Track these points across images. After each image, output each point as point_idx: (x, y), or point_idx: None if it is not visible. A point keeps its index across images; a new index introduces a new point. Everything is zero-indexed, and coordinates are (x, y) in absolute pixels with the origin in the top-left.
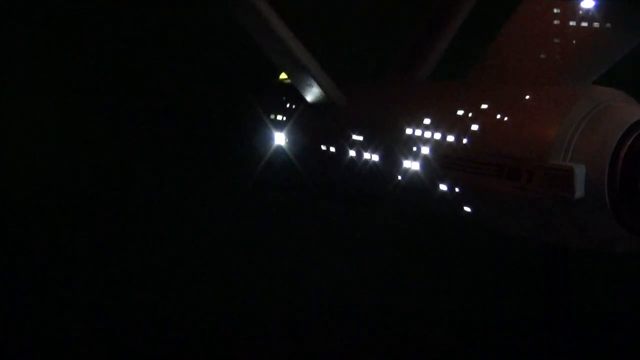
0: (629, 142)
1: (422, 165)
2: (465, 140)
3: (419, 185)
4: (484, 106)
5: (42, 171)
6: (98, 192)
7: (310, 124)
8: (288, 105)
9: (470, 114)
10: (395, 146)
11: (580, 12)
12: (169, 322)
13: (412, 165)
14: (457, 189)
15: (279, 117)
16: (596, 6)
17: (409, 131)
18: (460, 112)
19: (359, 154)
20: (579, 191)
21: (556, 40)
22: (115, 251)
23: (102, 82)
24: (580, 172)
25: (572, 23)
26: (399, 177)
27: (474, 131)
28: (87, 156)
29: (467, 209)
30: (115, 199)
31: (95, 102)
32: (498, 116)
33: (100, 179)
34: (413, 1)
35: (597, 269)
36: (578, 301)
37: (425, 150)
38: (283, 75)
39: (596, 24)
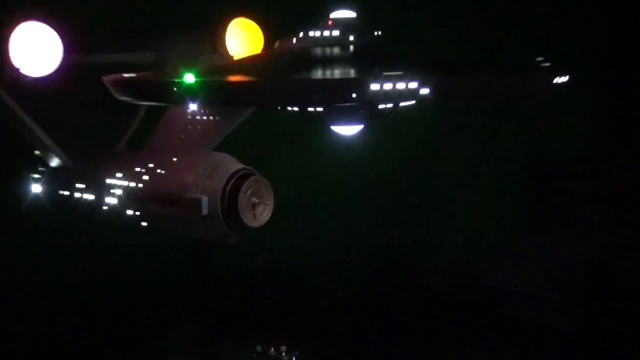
0: (231, 182)
1: (120, 201)
2: (149, 184)
3: (120, 212)
4: (156, 164)
5: None
6: None
7: (53, 178)
8: (41, 169)
9: (150, 169)
10: (101, 189)
11: (204, 115)
12: None
13: (112, 200)
14: (144, 213)
15: (37, 175)
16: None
17: (110, 180)
18: (146, 168)
19: (79, 195)
20: (205, 211)
21: (190, 127)
22: None
23: None
24: (204, 200)
25: (199, 118)
26: (104, 207)
27: (154, 179)
28: None
29: (154, 222)
30: None
31: None
32: (165, 170)
33: None
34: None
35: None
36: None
37: (119, 191)
38: (37, 152)
39: (212, 118)
